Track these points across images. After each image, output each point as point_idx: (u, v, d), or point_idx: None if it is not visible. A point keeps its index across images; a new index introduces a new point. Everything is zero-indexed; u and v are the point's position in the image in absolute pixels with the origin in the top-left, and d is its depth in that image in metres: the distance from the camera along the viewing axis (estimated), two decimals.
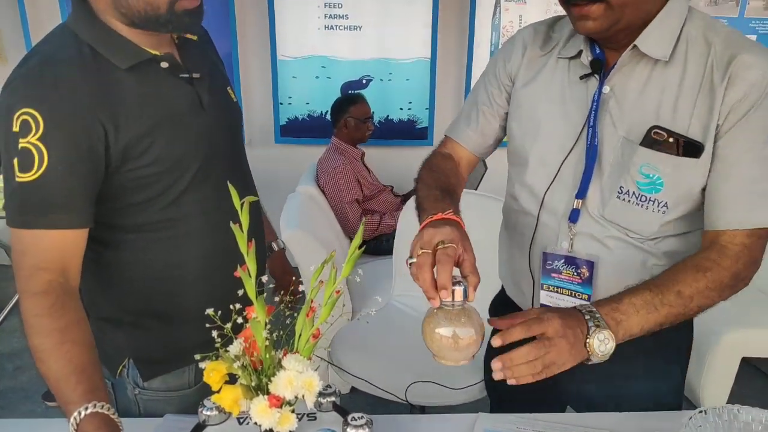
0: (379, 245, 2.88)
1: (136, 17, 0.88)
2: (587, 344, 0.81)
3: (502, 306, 1.20)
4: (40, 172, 0.82)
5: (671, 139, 0.89)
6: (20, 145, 0.82)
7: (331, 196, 2.84)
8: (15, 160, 0.82)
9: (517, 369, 0.78)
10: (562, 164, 0.99)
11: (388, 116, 3.53)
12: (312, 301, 0.76)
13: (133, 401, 1.03)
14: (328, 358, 1.80)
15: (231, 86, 1.13)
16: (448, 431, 0.98)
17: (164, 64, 0.95)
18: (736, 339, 2.28)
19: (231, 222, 0.76)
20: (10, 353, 2.80)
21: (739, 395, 2.36)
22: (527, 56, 1.05)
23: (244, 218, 0.76)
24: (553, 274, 1.04)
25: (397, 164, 3.28)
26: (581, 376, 0.89)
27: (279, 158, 3.55)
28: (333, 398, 0.84)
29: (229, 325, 0.70)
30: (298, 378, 0.68)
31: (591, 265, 0.99)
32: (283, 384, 0.68)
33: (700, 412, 0.95)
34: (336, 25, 3.35)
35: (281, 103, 3.47)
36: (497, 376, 0.78)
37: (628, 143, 0.93)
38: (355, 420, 0.77)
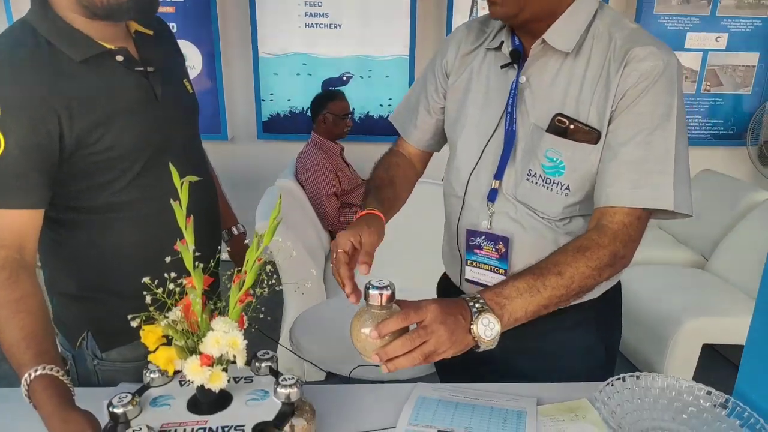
0: None
1: (98, 9, 0.95)
2: (471, 330, 0.82)
3: (445, 286, 1.27)
4: None
5: (572, 126, 0.97)
6: None
7: (309, 190, 2.91)
8: None
9: (396, 361, 0.79)
10: (484, 148, 1.07)
11: (368, 113, 3.60)
12: (244, 272, 0.82)
13: (92, 372, 1.10)
14: (290, 339, 1.87)
15: (188, 79, 1.20)
16: (387, 399, 1.04)
17: (119, 58, 1.01)
18: (697, 326, 2.36)
19: (171, 200, 0.83)
20: None
21: (703, 380, 2.42)
22: (460, 52, 1.12)
23: (183, 196, 0.83)
24: (476, 250, 1.11)
25: (377, 159, 3.35)
26: (512, 349, 0.95)
27: (261, 154, 3.62)
28: (269, 363, 0.91)
29: (161, 290, 0.77)
30: (223, 338, 0.75)
31: (506, 241, 1.07)
32: (211, 343, 0.75)
33: (618, 379, 1.02)
34: (316, 23, 3.42)
35: (263, 100, 3.53)
36: (383, 369, 0.80)
37: (537, 129, 1.00)
38: (285, 380, 0.83)
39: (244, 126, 3.63)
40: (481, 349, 0.84)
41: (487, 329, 0.83)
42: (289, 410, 0.81)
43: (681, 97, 0.94)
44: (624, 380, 1.01)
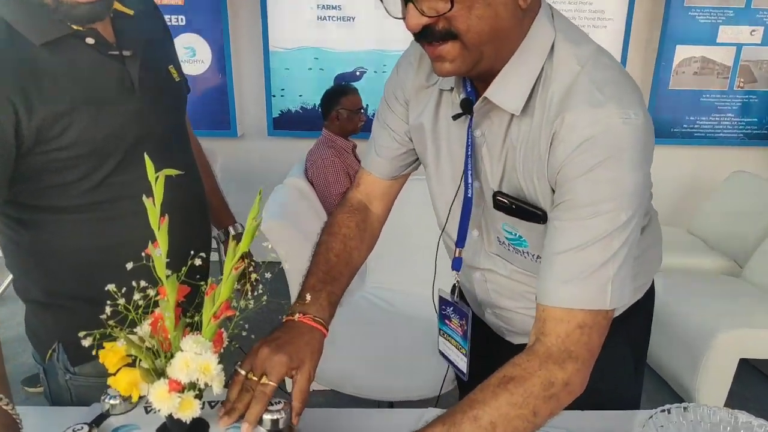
0: None
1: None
2: None
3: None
4: None
5: (514, 206, 0.81)
6: None
7: (319, 189, 2.80)
8: None
9: None
10: (451, 207, 0.93)
11: None
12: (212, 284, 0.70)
13: (65, 387, 0.99)
14: None
15: (176, 64, 1.08)
16: (393, 426, 0.92)
17: (89, 40, 0.89)
18: (733, 338, 2.19)
19: (144, 196, 0.71)
20: None
21: (739, 398, 2.27)
22: (415, 83, 0.93)
23: (158, 191, 0.71)
24: (446, 321, 1.01)
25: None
26: None
27: (271, 151, 3.52)
28: (279, 416, 0.77)
29: (122, 301, 0.65)
30: (194, 360, 0.63)
31: (466, 317, 0.95)
32: (179, 366, 0.63)
33: (663, 411, 0.88)
34: (329, 16, 3.30)
35: (274, 96, 3.42)
36: None
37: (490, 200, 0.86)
38: (272, 404, 0.72)
39: (254, 122, 3.53)
40: None
41: None
42: None
43: (636, 168, 0.71)
44: (669, 412, 0.87)
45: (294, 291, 2.09)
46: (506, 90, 0.76)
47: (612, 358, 1.00)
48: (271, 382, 0.74)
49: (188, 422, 0.68)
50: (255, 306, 0.74)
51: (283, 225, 2.11)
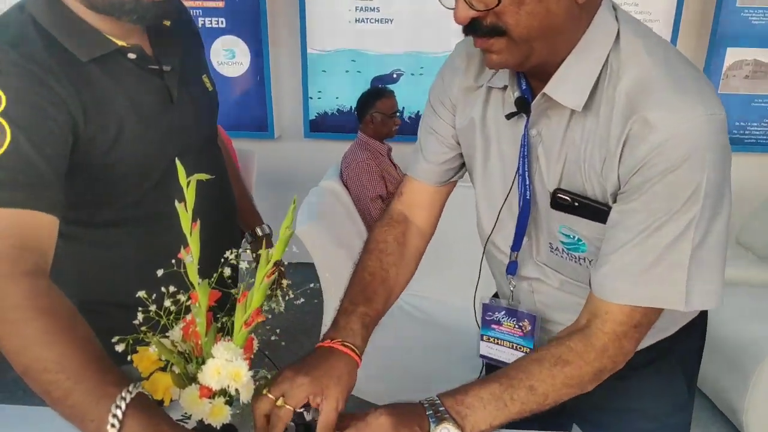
0: None
1: (98, 2, 0.83)
2: None
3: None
4: (3, 148, 0.74)
5: (576, 203, 0.78)
6: None
7: (354, 192, 2.79)
8: None
9: None
10: (500, 211, 0.89)
11: (418, 112, 3.44)
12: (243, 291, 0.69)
13: None
14: None
15: (208, 73, 1.08)
16: None
17: (131, 56, 0.89)
18: None
19: (177, 201, 0.70)
20: None
21: None
22: (463, 85, 0.90)
23: (189, 196, 0.71)
24: (493, 326, 0.97)
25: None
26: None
27: (307, 153, 3.53)
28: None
29: (154, 307, 0.65)
30: (225, 367, 0.62)
31: (533, 319, 0.92)
32: (210, 373, 0.62)
33: None
34: (367, 18, 3.29)
35: (311, 98, 3.44)
36: None
37: (548, 201, 0.82)
38: (300, 417, 0.70)
39: (290, 124, 3.55)
40: None
41: None
42: None
43: (717, 167, 0.69)
44: None
45: (328, 298, 2.08)
46: (567, 86, 0.74)
47: (665, 381, 0.96)
48: (287, 406, 0.71)
49: (218, 428, 0.67)
50: (291, 304, 0.72)
51: (317, 228, 2.10)
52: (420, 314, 1.90)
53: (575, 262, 0.84)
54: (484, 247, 0.96)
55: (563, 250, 0.84)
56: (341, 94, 3.42)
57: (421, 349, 1.77)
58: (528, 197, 0.83)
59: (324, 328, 2.19)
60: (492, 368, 1.15)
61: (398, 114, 2.93)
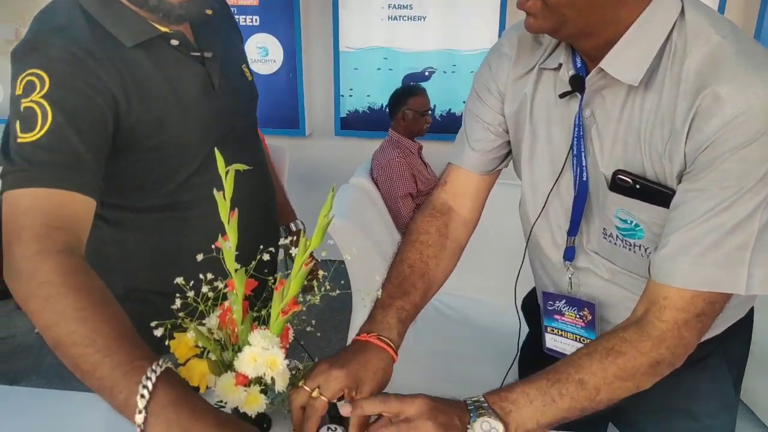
0: None
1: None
2: None
3: (531, 308, 1.08)
4: (44, 130, 0.75)
5: (637, 186, 0.75)
6: (23, 106, 0.76)
7: (384, 190, 2.78)
8: (17, 123, 0.76)
9: None
10: (548, 196, 0.87)
11: (450, 110, 3.41)
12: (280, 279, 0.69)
13: None
14: None
15: (247, 64, 1.09)
16: None
17: (174, 42, 0.90)
18: None
19: (215, 190, 0.71)
20: None
21: None
22: (513, 73, 0.88)
23: (228, 186, 0.71)
24: (557, 316, 0.93)
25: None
26: None
27: (338, 151, 3.54)
28: None
29: (192, 293, 0.65)
30: (261, 355, 0.62)
31: (592, 307, 0.88)
32: (246, 360, 0.62)
33: None
34: (400, 16, 3.28)
35: (342, 96, 3.45)
36: None
37: (604, 183, 0.79)
38: (330, 430, 0.69)
39: (322, 122, 3.57)
40: None
41: None
42: None
43: None
44: None
45: (356, 285, 2.08)
46: (624, 60, 0.72)
47: (713, 381, 0.92)
48: (322, 397, 0.70)
49: (253, 416, 0.67)
50: (320, 300, 0.72)
51: (348, 225, 2.10)
52: (454, 313, 1.88)
53: (629, 249, 0.81)
54: (528, 237, 0.93)
55: (617, 236, 0.81)
56: (372, 91, 3.42)
57: (455, 348, 1.74)
58: (585, 178, 0.81)
59: (356, 314, 2.20)
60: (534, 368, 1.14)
61: (430, 112, 2.92)
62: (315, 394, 0.70)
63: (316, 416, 0.69)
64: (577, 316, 0.91)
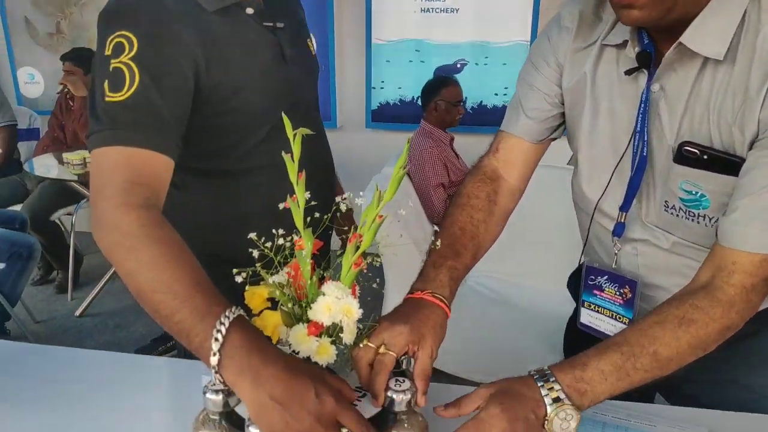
0: None
1: None
2: (545, 426, 0.69)
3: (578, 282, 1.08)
4: (132, 90, 0.78)
5: (705, 156, 0.75)
6: (111, 66, 0.79)
7: (416, 180, 2.78)
8: (105, 82, 0.79)
9: None
10: (613, 173, 0.87)
11: (481, 102, 3.40)
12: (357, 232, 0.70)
13: None
14: None
15: (311, 38, 1.11)
16: None
17: (249, 10, 0.92)
18: None
19: (283, 152, 0.72)
20: (112, 312, 3.03)
21: None
22: (573, 47, 0.89)
23: (296, 148, 0.73)
24: (596, 291, 0.94)
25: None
26: None
27: (369, 143, 3.56)
28: (404, 395, 0.73)
29: (269, 244, 0.67)
30: (336, 304, 0.63)
31: (634, 285, 0.88)
32: (321, 309, 0.64)
33: None
34: (432, 8, 3.28)
35: (373, 88, 3.46)
36: None
37: (670, 155, 0.80)
38: (397, 383, 0.69)
39: (353, 114, 3.59)
40: None
41: (564, 422, 0.69)
42: (389, 418, 0.67)
43: None
44: None
45: (390, 275, 2.09)
46: (705, 35, 0.73)
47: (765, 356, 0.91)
48: (390, 352, 0.72)
49: (323, 367, 0.68)
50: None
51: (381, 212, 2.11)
52: (492, 294, 1.89)
53: (692, 220, 0.81)
54: (593, 214, 0.93)
55: (680, 207, 0.81)
56: (404, 83, 3.43)
57: (496, 327, 1.75)
58: (645, 154, 0.81)
59: (388, 305, 2.21)
60: (581, 344, 1.14)
61: (462, 104, 2.91)
62: (382, 350, 0.72)
63: (385, 371, 0.70)
64: (617, 292, 0.92)
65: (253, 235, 0.69)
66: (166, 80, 0.80)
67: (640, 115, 0.81)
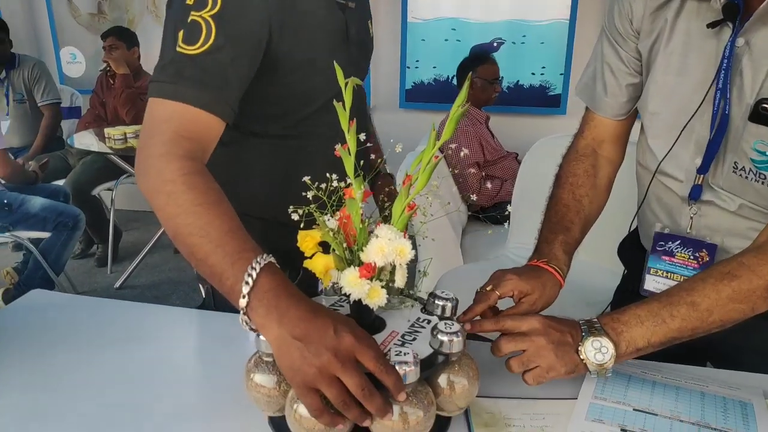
0: (500, 213, 2.76)
1: None
2: (579, 351, 0.72)
3: (631, 252, 1.06)
4: (206, 47, 0.78)
5: None
6: (190, 18, 0.79)
7: (450, 157, 2.77)
8: (181, 32, 0.79)
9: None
10: (681, 131, 0.85)
11: (518, 81, 3.35)
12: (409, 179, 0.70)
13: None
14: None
15: (371, 20, 1.11)
16: None
17: None
18: None
19: (335, 101, 0.73)
20: (150, 285, 3.11)
21: None
22: (649, 7, 0.87)
23: (347, 97, 0.73)
24: (664, 257, 0.92)
25: (525, 132, 3.11)
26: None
27: (403, 123, 3.54)
28: (449, 302, 0.76)
29: (324, 186, 0.67)
30: (389, 245, 0.63)
31: (713, 248, 0.86)
32: (374, 251, 0.64)
33: None
34: None
35: (408, 67, 3.44)
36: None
37: (746, 114, 0.77)
38: (448, 325, 0.68)
39: (387, 94, 3.58)
40: (592, 376, 0.73)
41: (598, 353, 0.71)
42: (442, 361, 0.67)
43: None
44: None
45: (424, 252, 2.09)
46: None
47: None
48: (496, 292, 0.78)
49: (374, 310, 0.69)
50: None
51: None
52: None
53: (762, 183, 0.79)
54: (654, 173, 0.92)
55: (750, 169, 0.79)
56: (439, 63, 3.40)
57: None
58: (727, 112, 0.79)
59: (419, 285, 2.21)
60: None
61: (498, 81, 2.87)
62: (489, 288, 0.79)
63: (484, 303, 0.77)
64: (692, 257, 0.90)
65: (307, 179, 0.69)
66: (240, 44, 0.80)
67: (723, 71, 0.78)
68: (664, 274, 0.94)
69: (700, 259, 0.89)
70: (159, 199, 0.74)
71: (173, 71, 0.78)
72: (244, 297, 0.63)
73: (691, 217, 0.88)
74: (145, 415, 0.75)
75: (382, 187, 1.30)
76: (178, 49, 0.78)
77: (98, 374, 0.84)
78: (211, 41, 0.78)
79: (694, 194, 0.86)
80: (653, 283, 0.96)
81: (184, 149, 0.76)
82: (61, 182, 3.18)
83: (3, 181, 2.66)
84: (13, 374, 0.83)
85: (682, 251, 0.91)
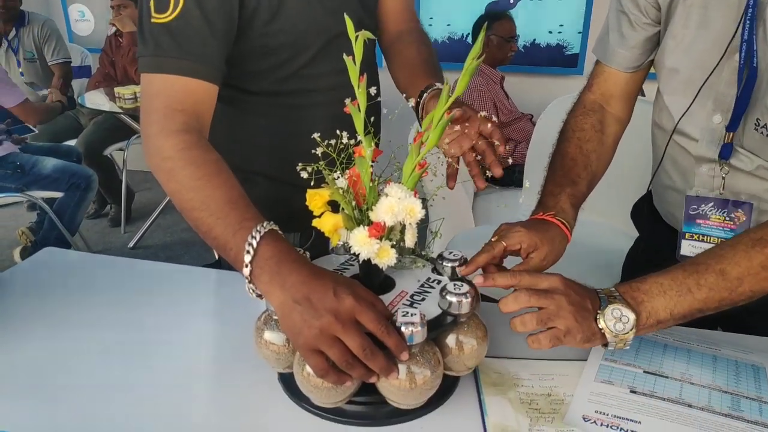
0: (511, 176, 2.72)
1: None
2: (597, 319, 0.67)
3: (649, 215, 1.04)
4: (176, 12, 0.79)
5: None
6: None
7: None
8: (151, 1, 0.79)
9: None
10: (701, 88, 0.80)
11: (534, 40, 3.25)
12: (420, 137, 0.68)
13: None
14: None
15: None
16: None
17: None
18: None
19: (345, 54, 0.70)
20: (163, 245, 3.15)
21: None
22: None
23: (358, 50, 0.70)
24: (699, 221, 0.88)
25: (541, 93, 3.03)
26: None
27: None
28: (456, 263, 0.76)
29: (334, 142, 0.65)
30: (399, 204, 0.62)
31: (750, 207, 0.82)
32: (384, 209, 0.63)
33: None
34: None
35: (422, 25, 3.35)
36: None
37: None
38: (457, 286, 0.68)
39: None
40: (609, 348, 0.68)
41: (618, 322, 0.66)
42: (450, 321, 0.66)
43: None
44: None
45: (434, 213, 2.08)
46: None
47: None
48: (502, 242, 0.75)
49: (383, 270, 0.68)
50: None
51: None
52: None
53: None
54: (671, 136, 0.88)
55: None
56: (453, 20, 3.30)
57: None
58: (755, 65, 0.74)
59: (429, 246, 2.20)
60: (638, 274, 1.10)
61: (515, 40, 2.79)
62: (495, 239, 0.76)
63: (489, 253, 0.74)
64: (727, 218, 0.87)
65: (316, 136, 0.68)
66: (209, 2, 0.80)
67: (748, 22, 0.74)
68: (701, 237, 0.91)
69: (736, 220, 0.86)
70: (161, 176, 0.76)
71: (153, 44, 0.79)
72: (246, 266, 0.65)
73: (723, 177, 0.85)
74: (157, 371, 0.76)
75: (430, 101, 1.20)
76: (152, 20, 0.78)
77: (112, 329, 0.85)
78: (180, 5, 0.78)
79: (725, 153, 0.82)
80: (689, 248, 0.92)
81: (178, 123, 0.77)
82: (72, 142, 3.18)
83: (36, 130, 2.88)
84: (30, 328, 0.85)
85: (717, 213, 0.87)
